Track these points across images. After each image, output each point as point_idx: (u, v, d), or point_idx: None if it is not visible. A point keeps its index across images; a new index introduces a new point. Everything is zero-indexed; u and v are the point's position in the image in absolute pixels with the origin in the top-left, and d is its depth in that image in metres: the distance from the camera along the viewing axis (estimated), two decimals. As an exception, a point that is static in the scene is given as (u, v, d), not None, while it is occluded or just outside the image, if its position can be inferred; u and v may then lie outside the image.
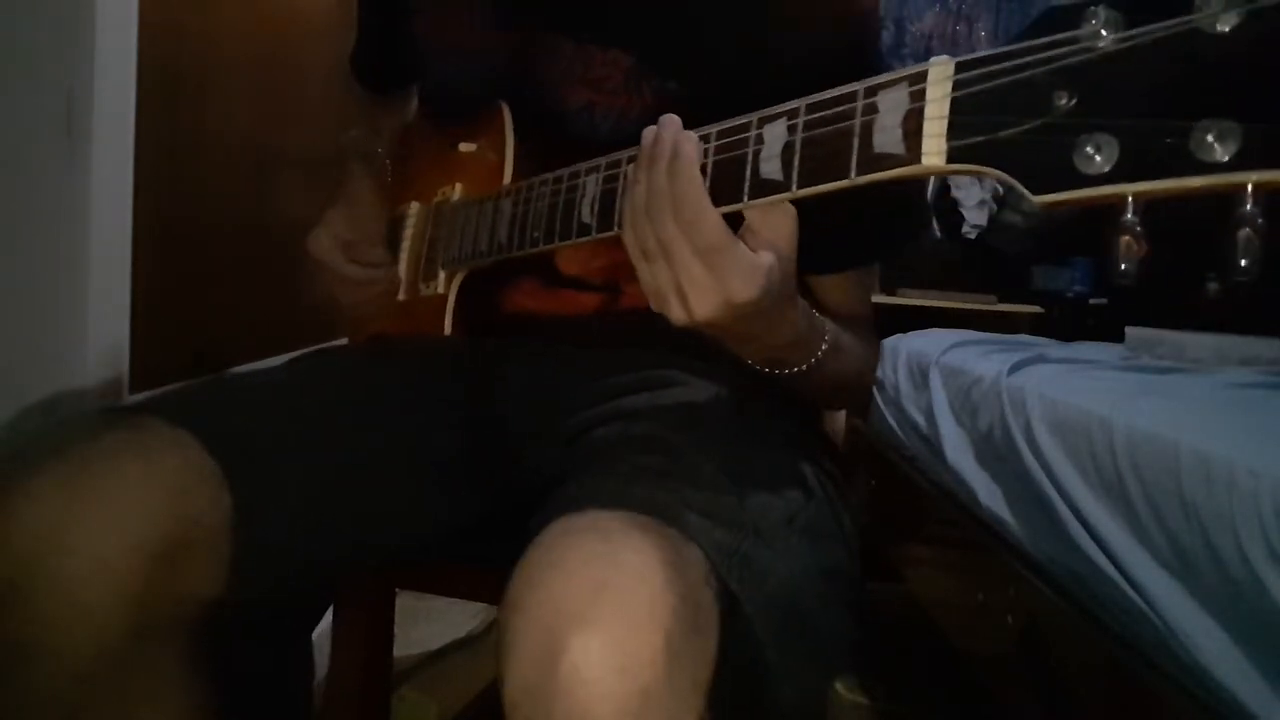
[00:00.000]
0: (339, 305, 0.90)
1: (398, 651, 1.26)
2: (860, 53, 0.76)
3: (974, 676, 1.52)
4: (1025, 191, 0.42)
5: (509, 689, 0.48)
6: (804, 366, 0.67)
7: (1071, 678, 1.12)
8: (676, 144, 0.56)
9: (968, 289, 3.03)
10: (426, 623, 1.68)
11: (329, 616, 0.93)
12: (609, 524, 0.52)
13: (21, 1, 1.02)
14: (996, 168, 0.43)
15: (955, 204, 3.06)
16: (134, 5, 1.14)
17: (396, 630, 1.04)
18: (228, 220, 1.43)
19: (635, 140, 0.59)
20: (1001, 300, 2.99)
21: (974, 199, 3.05)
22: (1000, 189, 3.08)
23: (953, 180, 3.03)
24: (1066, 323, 2.72)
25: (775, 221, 0.56)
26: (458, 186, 0.88)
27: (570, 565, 0.49)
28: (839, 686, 1.66)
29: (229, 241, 1.43)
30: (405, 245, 0.92)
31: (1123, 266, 0.40)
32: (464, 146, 0.87)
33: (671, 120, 0.58)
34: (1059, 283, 3.03)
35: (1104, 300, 2.86)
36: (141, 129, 1.17)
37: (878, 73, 0.50)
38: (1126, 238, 0.40)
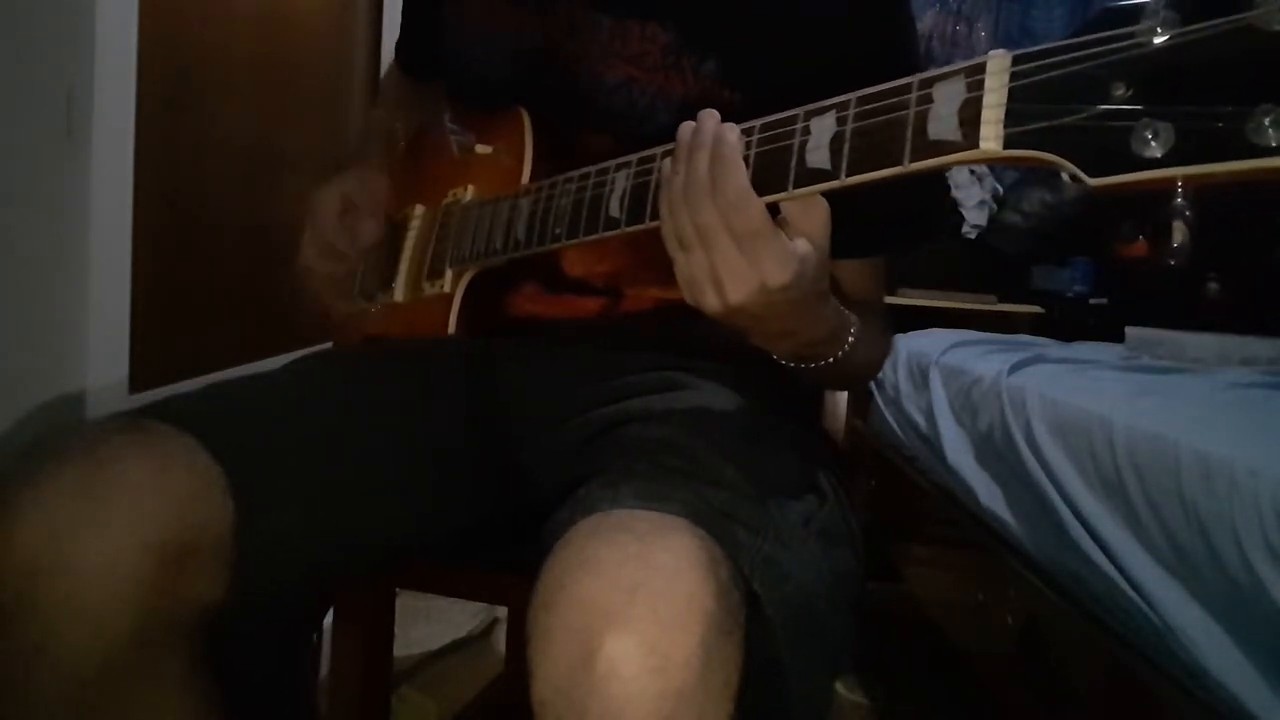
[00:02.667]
0: (306, 277, 0.91)
1: (398, 651, 1.26)
2: (900, 44, 0.77)
3: (974, 676, 1.52)
4: (1082, 175, 0.43)
5: (539, 687, 0.48)
6: (830, 360, 0.67)
7: (1071, 678, 1.12)
8: (718, 133, 0.57)
9: (968, 289, 3.03)
10: (426, 623, 1.68)
11: (329, 616, 0.93)
12: (640, 524, 0.52)
13: (21, 1, 1.02)
14: (1052, 152, 0.44)
15: (955, 204, 3.05)
16: (134, 5, 1.14)
17: (396, 630, 1.04)
18: (227, 220, 1.43)
19: (674, 118, 0.59)
20: (1001, 300, 2.99)
21: (974, 199, 3.05)
22: (1000, 189, 3.08)
23: (952, 180, 3.03)
24: (1066, 323, 2.72)
25: (811, 215, 0.57)
26: (470, 188, 0.88)
27: (603, 565, 0.49)
28: (839, 686, 1.66)
29: (229, 242, 1.43)
30: (408, 246, 0.92)
31: (1175, 245, 0.42)
32: (480, 148, 0.86)
33: (711, 113, 0.58)
34: (1059, 283, 3.03)
35: (1104, 300, 2.86)
36: (141, 129, 1.17)
37: (917, 64, 0.51)
38: (1178, 223, 0.42)
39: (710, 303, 0.58)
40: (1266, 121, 0.37)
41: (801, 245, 0.56)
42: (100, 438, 0.60)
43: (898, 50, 0.76)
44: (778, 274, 0.55)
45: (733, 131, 0.57)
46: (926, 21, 3.22)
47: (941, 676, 1.71)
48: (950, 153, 0.48)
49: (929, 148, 0.49)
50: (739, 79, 0.76)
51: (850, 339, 0.67)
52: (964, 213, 3.07)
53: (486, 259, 0.80)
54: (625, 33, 0.78)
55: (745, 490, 0.60)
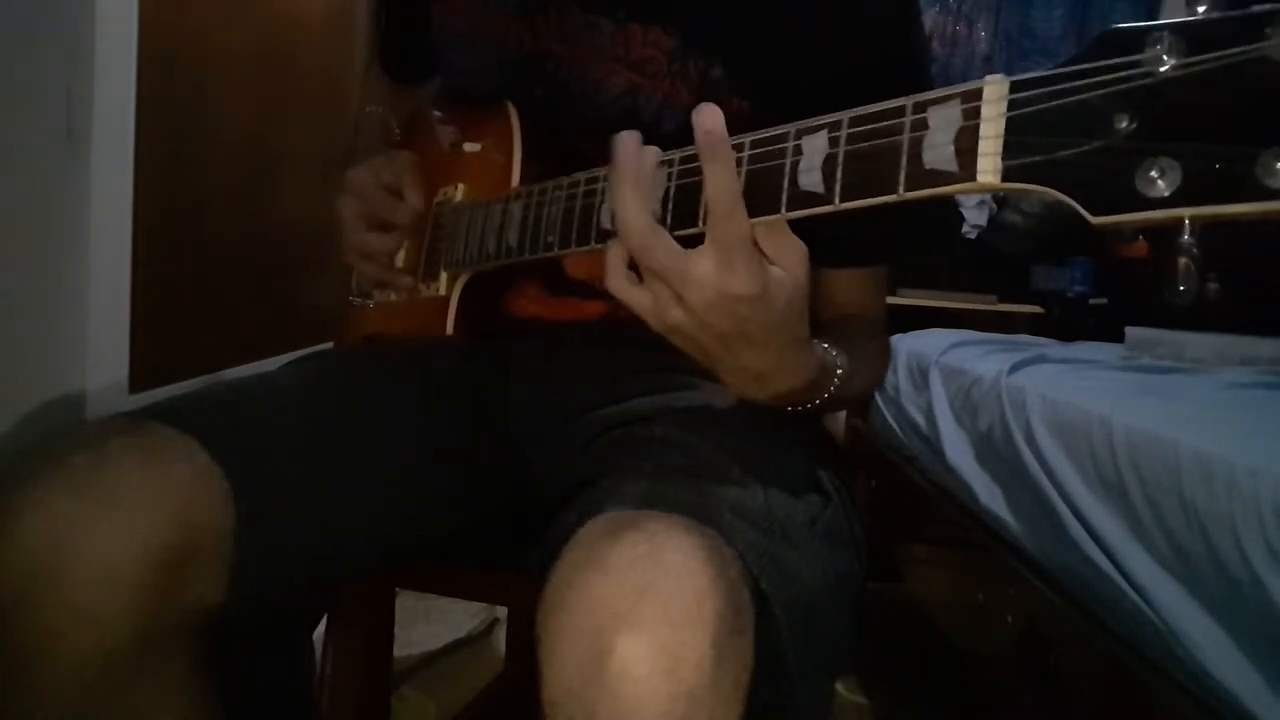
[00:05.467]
0: (353, 254, 0.87)
1: (398, 651, 1.26)
2: (911, 51, 0.75)
3: (974, 676, 1.52)
4: (1084, 213, 0.41)
5: (549, 689, 0.48)
6: (812, 404, 0.65)
7: (1071, 678, 1.12)
8: (640, 163, 0.55)
9: (968, 289, 3.03)
10: (426, 623, 1.68)
11: (329, 616, 0.93)
12: (649, 524, 0.52)
13: (21, 1, 1.01)
14: (1054, 188, 0.43)
15: (955, 204, 3.06)
16: (134, 5, 1.14)
17: (396, 630, 1.04)
18: (227, 220, 1.43)
19: (681, 127, 0.56)
20: (1001, 300, 3.00)
21: (974, 199, 3.05)
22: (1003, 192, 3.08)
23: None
24: (1066, 323, 2.72)
25: (787, 254, 0.55)
26: (460, 187, 0.87)
27: (613, 565, 0.49)
28: (839, 686, 1.66)
29: (229, 242, 1.43)
30: (402, 246, 0.92)
31: (1181, 288, 0.40)
32: (468, 146, 0.86)
33: (631, 137, 0.55)
34: (1059, 283, 3.03)
35: (1104, 300, 2.86)
36: (141, 129, 1.17)
37: (927, 71, 0.49)
38: (1184, 260, 0.40)
39: (674, 316, 0.55)
40: (1278, 164, 0.36)
41: (774, 270, 0.54)
42: (100, 439, 0.60)
43: (909, 57, 0.76)
44: (744, 283, 0.53)
45: (650, 157, 0.55)
46: (926, 21, 3.22)
47: (941, 676, 1.71)
48: (946, 183, 0.46)
49: (924, 176, 0.47)
50: (748, 86, 0.75)
51: (835, 383, 0.64)
52: (964, 213, 3.07)
53: (481, 263, 0.79)
54: (628, 38, 0.77)
55: (751, 490, 0.60)
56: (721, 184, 0.52)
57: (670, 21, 0.76)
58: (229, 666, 0.64)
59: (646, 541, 0.50)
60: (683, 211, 0.57)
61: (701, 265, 0.53)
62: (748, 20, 0.75)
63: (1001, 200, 3.08)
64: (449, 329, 0.83)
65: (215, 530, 0.61)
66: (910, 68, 0.77)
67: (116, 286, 1.17)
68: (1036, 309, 2.96)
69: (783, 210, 0.53)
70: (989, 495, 1.38)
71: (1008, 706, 1.37)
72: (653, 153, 0.56)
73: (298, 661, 0.78)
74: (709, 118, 0.52)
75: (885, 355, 0.81)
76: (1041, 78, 0.43)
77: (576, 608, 0.48)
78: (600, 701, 0.46)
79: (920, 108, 0.48)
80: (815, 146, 0.52)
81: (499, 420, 0.84)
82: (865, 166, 0.50)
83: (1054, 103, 0.42)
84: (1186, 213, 0.39)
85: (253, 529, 0.63)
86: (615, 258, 0.57)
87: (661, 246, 0.53)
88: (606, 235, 0.65)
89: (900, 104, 0.49)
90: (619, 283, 0.57)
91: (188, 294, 1.33)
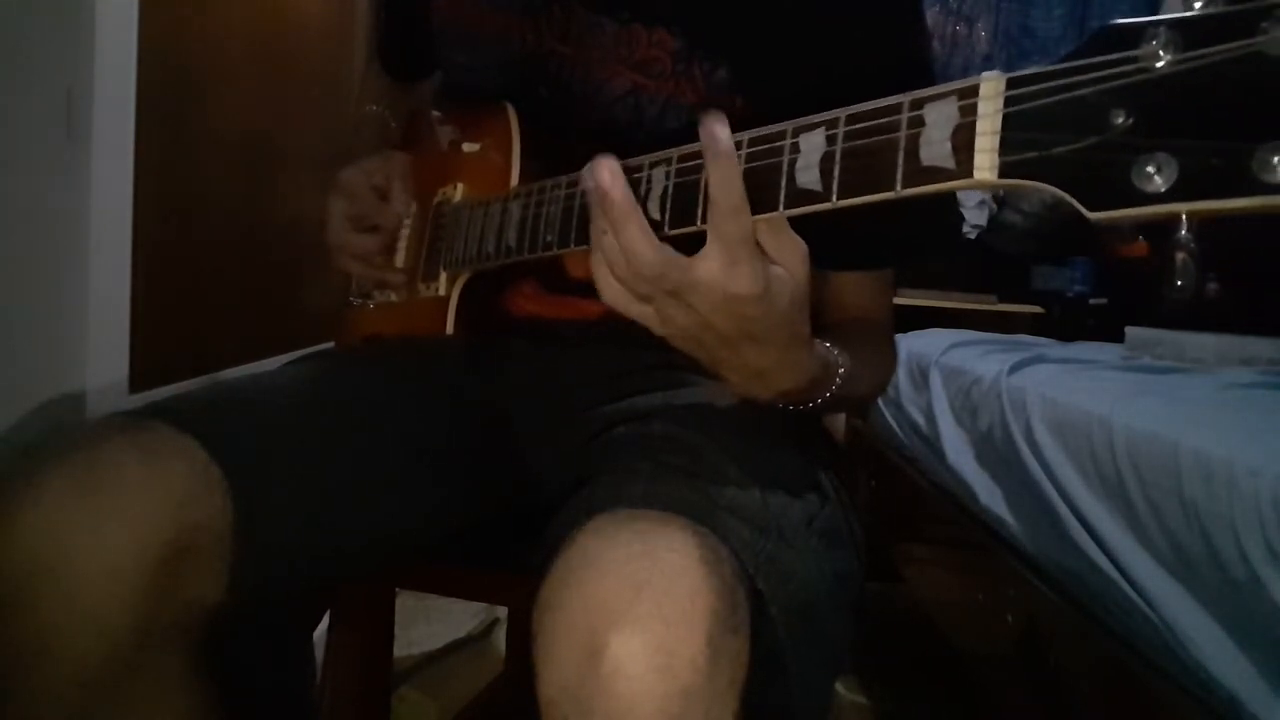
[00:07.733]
0: (339, 255, 0.87)
1: (398, 651, 1.26)
2: (914, 52, 0.76)
3: (974, 676, 1.52)
4: (1081, 208, 0.41)
5: (545, 687, 0.48)
6: (814, 404, 0.65)
7: (1071, 678, 1.12)
8: (607, 192, 0.53)
9: (968, 289, 3.03)
10: (426, 623, 1.68)
11: (329, 616, 0.93)
12: (644, 523, 0.52)
13: (21, 1, 1.01)
14: (1051, 184, 0.43)
15: (956, 205, 3.05)
16: (134, 5, 1.14)
17: (396, 630, 1.04)
18: (227, 220, 1.43)
19: (685, 128, 0.56)
20: (1001, 300, 2.99)
21: (974, 199, 3.05)
22: (1001, 190, 3.07)
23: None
24: (1066, 323, 2.72)
25: (788, 252, 0.54)
26: (459, 187, 0.87)
27: (608, 564, 0.49)
28: (839, 686, 1.66)
29: (229, 242, 1.43)
30: (402, 246, 0.92)
31: (1179, 283, 0.40)
32: (467, 146, 0.86)
33: (603, 164, 0.54)
34: (1059, 283, 3.03)
35: (1104, 300, 2.86)
36: (141, 129, 1.17)
37: (931, 72, 0.48)
38: (1182, 255, 0.40)
39: (678, 320, 0.55)
40: (1275, 160, 0.36)
41: (775, 268, 0.54)
42: (100, 437, 0.60)
43: (914, 58, 0.76)
44: (748, 282, 0.52)
45: (618, 189, 0.52)
46: (927, 21, 3.22)
47: (941, 676, 1.71)
48: (943, 180, 0.46)
49: (922, 174, 0.47)
50: (753, 87, 0.75)
51: (837, 383, 0.64)
52: (964, 212, 3.07)
53: (480, 263, 0.79)
54: (632, 39, 0.76)
55: (749, 488, 0.60)
56: (726, 185, 0.52)
57: (675, 22, 0.76)
58: (229, 666, 0.64)
59: (641, 540, 0.50)
60: (680, 210, 0.57)
61: (706, 267, 0.53)
62: (753, 21, 0.75)
63: (1001, 200, 3.08)
64: (449, 329, 0.83)
65: (214, 529, 0.61)
66: (915, 69, 0.77)
67: (116, 286, 1.17)
68: (1036, 309, 2.96)
69: (780, 208, 0.53)
70: (989, 495, 1.38)
71: (1008, 706, 1.37)
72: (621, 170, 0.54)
73: (298, 661, 0.78)
74: (715, 127, 0.52)
75: (891, 358, 0.81)
76: (1038, 74, 0.43)
77: (572, 606, 0.49)
78: (595, 699, 0.46)
79: (917, 105, 0.47)
80: (812, 144, 0.52)
81: (499, 419, 0.84)
82: (862, 164, 0.50)
83: (1051, 99, 0.42)
84: (1183, 208, 0.39)
85: (251, 528, 0.63)
86: (604, 272, 0.56)
87: (673, 267, 0.52)
88: None
89: (897, 101, 0.48)
90: (614, 296, 0.56)
91: (188, 294, 1.33)
